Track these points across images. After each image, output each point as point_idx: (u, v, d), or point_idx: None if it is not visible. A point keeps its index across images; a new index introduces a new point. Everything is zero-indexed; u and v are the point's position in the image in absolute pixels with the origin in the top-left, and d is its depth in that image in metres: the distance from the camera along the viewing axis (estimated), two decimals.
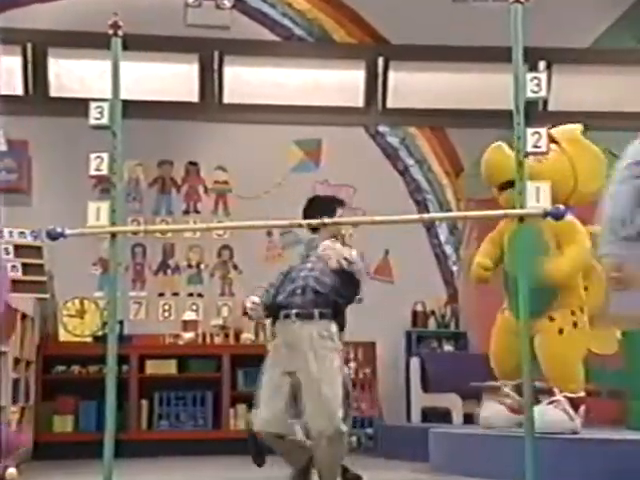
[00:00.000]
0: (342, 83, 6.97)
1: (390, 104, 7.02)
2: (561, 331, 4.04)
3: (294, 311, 2.89)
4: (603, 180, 4.26)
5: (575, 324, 4.08)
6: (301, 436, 2.89)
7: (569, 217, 3.73)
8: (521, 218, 2.73)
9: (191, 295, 6.80)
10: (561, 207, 2.65)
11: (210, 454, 5.41)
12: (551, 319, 4.01)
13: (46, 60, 6.68)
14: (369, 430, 6.30)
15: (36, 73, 6.69)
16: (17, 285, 4.39)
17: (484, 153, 4.25)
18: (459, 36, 6.60)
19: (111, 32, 2.89)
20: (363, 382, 6.51)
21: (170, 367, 6.11)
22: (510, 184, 3.76)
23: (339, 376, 2.84)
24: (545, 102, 6.16)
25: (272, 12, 7.08)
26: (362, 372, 6.51)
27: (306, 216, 3.37)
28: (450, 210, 7.05)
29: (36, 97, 6.72)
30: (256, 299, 3.06)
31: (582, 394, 4.08)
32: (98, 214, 2.82)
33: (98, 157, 2.84)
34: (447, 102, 6.89)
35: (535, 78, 2.70)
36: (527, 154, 2.70)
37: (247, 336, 6.22)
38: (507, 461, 3.44)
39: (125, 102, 2.90)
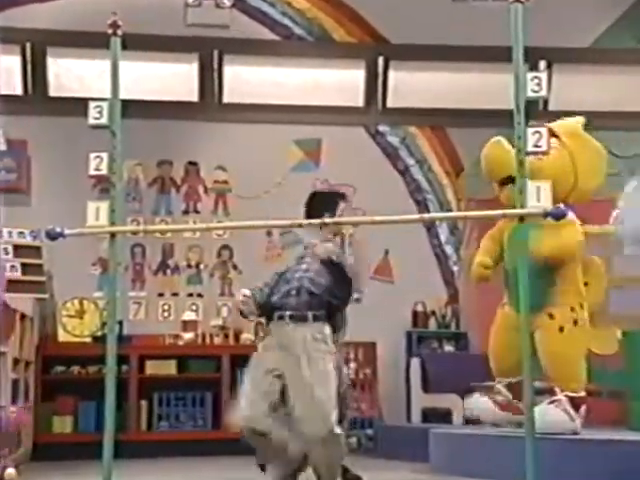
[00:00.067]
0: (342, 82, 6.96)
1: (390, 104, 7.01)
2: (562, 329, 4.03)
3: (288, 313, 2.86)
4: (603, 177, 4.26)
5: (575, 322, 4.07)
6: (286, 439, 2.82)
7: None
8: (521, 218, 2.73)
9: (191, 295, 6.79)
10: (562, 207, 2.65)
11: (210, 455, 5.39)
12: (551, 316, 3.99)
13: (45, 60, 6.66)
14: (369, 431, 6.29)
15: (35, 73, 6.68)
16: (16, 285, 4.37)
17: (484, 148, 4.24)
18: (459, 36, 6.59)
19: (110, 31, 2.89)
20: (363, 382, 6.51)
21: (170, 367, 6.10)
22: (511, 179, 3.77)
23: (332, 379, 2.81)
24: (545, 102, 6.15)
25: (272, 11, 7.07)
26: (362, 372, 6.50)
27: (308, 211, 3.37)
28: (450, 210, 7.05)
29: (35, 97, 6.71)
30: (247, 292, 3.04)
31: (583, 394, 4.07)
32: (97, 214, 2.81)
33: (97, 157, 2.84)
34: (447, 102, 6.88)
35: (535, 78, 2.70)
36: (528, 153, 2.70)
37: (247, 336, 6.21)
38: (507, 462, 3.43)
39: (124, 102, 2.90)
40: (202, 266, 6.83)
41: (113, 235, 2.87)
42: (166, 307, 6.74)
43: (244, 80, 6.91)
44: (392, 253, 6.93)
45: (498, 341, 4.25)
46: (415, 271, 6.82)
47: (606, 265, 4.52)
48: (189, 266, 6.85)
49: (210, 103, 6.92)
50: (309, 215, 3.29)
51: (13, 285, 4.35)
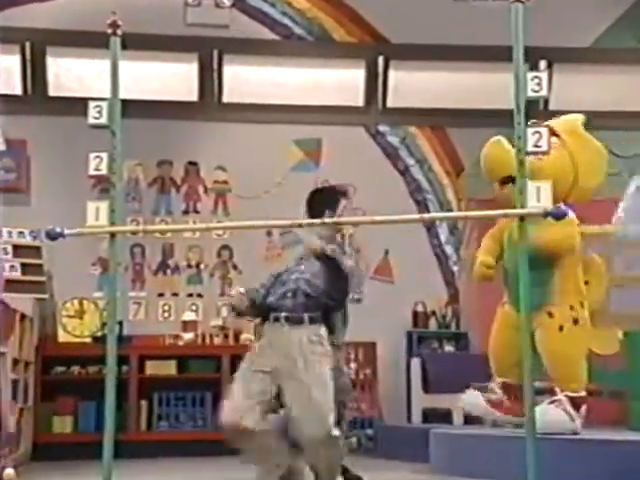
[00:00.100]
0: (342, 82, 6.96)
1: (390, 103, 7.00)
2: (561, 328, 4.02)
3: (284, 314, 2.84)
4: (603, 176, 4.25)
5: (575, 321, 4.06)
6: (271, 442, 2.77)
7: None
8: (522, 218, 2.73)
9: (191, 295, 6.78)
10: (562, 207, 2.65)
11: (210, 455, 5.37)
12: (550, 315, 3.98)
13: (45, 59, 6.66)
14: (369, 431, 6.28)
15: (35, 72, 6.67)
16: (16, 285, 4.36)
17: (484, 147, 4.24)
18: (459, 35, 6.58)
19: (110, 31, 2.88)
20: (363, 383, 6.50)
21: (170, 368, 6.10)
22: (511, 179, 3.76)
23: (329, 380, 2.79)
24: (546, 101, 6.14)
25: (272, 11, 7.06)
26: (362, 373, 6.49)
27: (309, 209, 3.36)
28: (451, 210, 7.04)
29: (35, 96, 6.70)
30: (242, 289, 3.03)
31: (583, 393, 4.06)
32: (97, 214, 2.81)
33: (97, 157, 2.83)
34: (447, 101, 6.87)
35: (536, 77, 2.70)
36: (528, 153, 2.69)
37: (247, 336, 6.19)
38: (508, 462, 3.43)
39: (124, 101, 2.90)
40: (202, 266, 6.83)
41: (113, 235, 2.86)
42: (166, 307, 6.73)
43: (244, 80, 6.90)
44: (392, 253, 6.92)
45: (498, 340, 4.24)
46: (415, 271, 6.81)
47: (606, 264, 4.51)
48: (189, 266, 6.84)
49: (210, 103, 6.91)
50: (310, 212, 3.29)
51: (13, 285, 4.34)
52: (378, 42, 7.08)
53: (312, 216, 3.13)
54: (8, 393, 4.24)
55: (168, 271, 6.84)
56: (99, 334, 5.96)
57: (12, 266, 4.39)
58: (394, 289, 6.86)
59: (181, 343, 6.26)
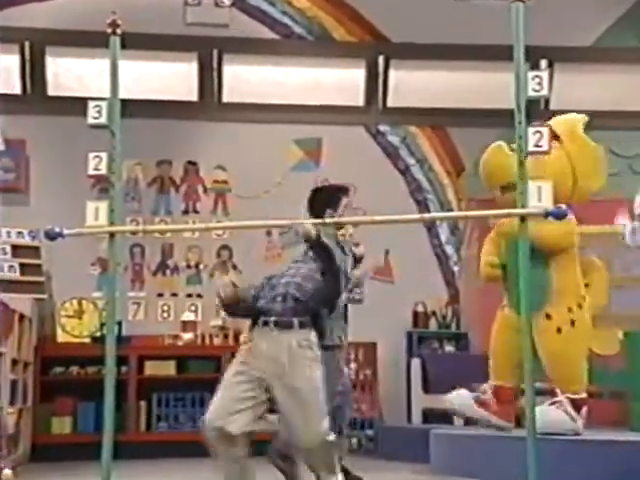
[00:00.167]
0: (342, 82, 6.95)
1: (390, 103, 6.99)
2: (559, 330, 4.02)
3: (273, 319, 2.79)
4: (604, 179, 4.24)
5: (573, 322, 4.06)
6: (243, 452, 2.72)
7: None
8: (522, 218, 2.71)
9: (190, 296, 6.76)
10: (563, 207, 2.64)
11: (209, 456, 5.37)
12: (548, 317, 3.98)
13: (44, 59, 6.65)
14: (369, 431, 6.28)
15: (34, 72, 6.66)
16: (15, 286, 4.35)
17: (484, 153, 4.23)
18: (460, 34, 6.57)
19: (109, 31, 2.87)
20: (363, 383, 6.48)
21: (169, 368, 6.09)
22: (513, 186, 3.74)
23: (320, 385, 2.75)
24: (547, 101, 6.13)
25: (271, 10, 7.05)
26: (362, 373, 6.48)
27: (311, 208, 3.34)
28: (451, 210, 7.03)
29: (34, 96, 6.69)
30: (227, 279, 2.99)
31: (584, 395, 4.05)
32: (96, 214, 2.80)
33: (97, 156, 2.82)
34: (448, 101, 6.86)
35: (537, 77, 2.69)
36: (528, 153, 2.68)
37: (247, 336, 6.18)
38: (508, 462, 3.42)
39: (124, 101, 2.89)
40: (202, 266, 6.81)
41: (112, 235, 2.85)
42: (165, 307, 6.72)
43: (244, 79, 6.89)
44: (392, 253, 6.91)
45: (498, 343, 4.24)
46: (415, 271, 6.80)
47: (606, 265, 4.50)
48: (188, 266, 6.83)
49: (210, 102, 6.90)
50: (312, 212, 3.27)
51: (12, 285, 4.33)
52: (378, 41, 7.07)
53: (313, 215, 3.11)
54: (7, 394, 4.23)
55: (167, 271, 6.83)
56: (98, 334, 5.95)
57: (11, 266, 4.38)
58: (394, 289, 6.85)
59: (180, 343, 6.25)
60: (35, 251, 4.49)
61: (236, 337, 6.25)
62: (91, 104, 2.83)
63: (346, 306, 3.98)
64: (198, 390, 5.96)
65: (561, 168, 4.01)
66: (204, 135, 6.91)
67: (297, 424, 2.68)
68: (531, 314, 2.79)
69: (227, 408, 2.70)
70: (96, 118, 2.82)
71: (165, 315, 6.71)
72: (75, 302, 6.22)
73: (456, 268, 7.09)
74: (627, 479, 3.46)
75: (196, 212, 6.94)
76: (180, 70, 6.86)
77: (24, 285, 4.41)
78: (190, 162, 6.98)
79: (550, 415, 3.86)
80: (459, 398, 4.35)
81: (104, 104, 2.83)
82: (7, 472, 3.97)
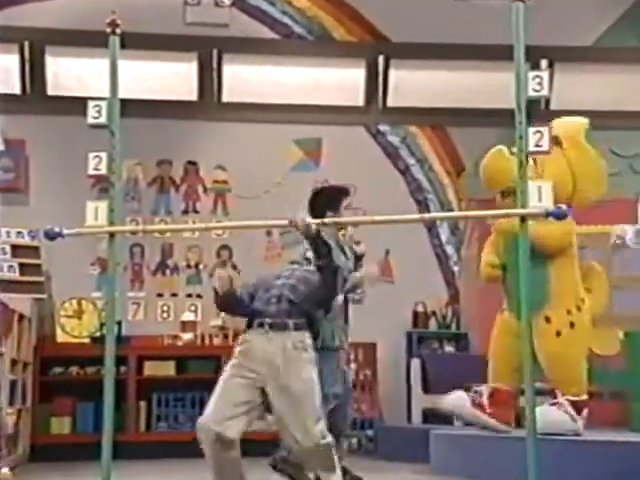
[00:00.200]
0: (342, 82, 6.94)
1: (391, 103, 6.98)
2: (558, 333, 4.02)
3: (268, 320, 2.77)
4: (603, 186, 4.25)
5: (572, 324, 4.05)
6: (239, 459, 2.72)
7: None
8: (523, 218, 2.71)
9: (190, 296, 6.75)
10: (563, 207, 2.64)
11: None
12: (547, 320, 3.98)
13: (44, 58, 6.63)
14: (369, 432, 6.27)
15: (33, 72, 6.65)
16: (14, 285, 4.35)
17: (485, 155, 4.22)
18: (460, 34, 6.56)
19: (109, 30, 2.87)
20: (363, 383, 6.48)
21: (169, 368, 6.07)
22: (510, 192, 3.74)
23: (315, 387, 2.74)
24: (547, 101, 6.12)
25: (271, 10, 7.04)
26: (362, 373, 6.47)
27: (312, 209, 3.33)
28: (451, 210, 7.02)
29: (33, 96, 6.68)
30: (225, 273, 2.97)
31: (585, 397, 4.04)
32: (96, 214, 2.80)
33: (96, 156, 2.82)
34: (448, 101, 6.85)
35: (537, 77, 2.69)
36: (529, 153, 2.68)
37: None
38: (509, 463, 3.42)
39: (123, 101, 2.89)
40: (201, 266, 6.80)
41: (112, 235, 2.85)
42: (165, 307, 6.71)
43: (244, 79, 6.88)
44: (393, 253, 6.90)
45: (497, 347, 4.24)
46: (416, 271, 6.79)
47: (606, 265, 4.50)
48: (188, 266, 6.82)
49: (209, 102, 6.89)
50: (312, 213, 3.26)
51: (11, 285, 4.33)
52: (378, 41, 7.06)
53: (314, 216, 3.11)
54: (6, 394, 4.23)
55: (167, 271, 6.82)
56: (98, 334, 5.95)
57: (10, 266, 4.38)
58: (394, 289, 6.83)
59: (180, 343, 6.24)
60: (35, 251, 4.49)
61: (236, 337, 6.24)
62: (91, 104, 2.83)
63: (346, 307, 3.98)
64: (198, 390, 5.94)
65: (561, 174, 4.01)
66: (204, 135, 6.90)
67: (292, 426, 2.66)
68: (531, 315, 2.78)
69: (223, 413, 2.68)
70: (96, 118, 2.82)
71: (165, 315, 6.70)
72: (75, 302, 6.21)
73: (456, 268, 7.08)
74: None
75: (196, 212, 6.93)
76: (180, 70, 6.85)
77: (24, 285, 4.41)
78: (190, 162, 6.97)
79: (550, 415, 3.85)
80: (455, 400, 4.35)
81: (104, 104, 2.83)
82: (5, 472, 3.96)
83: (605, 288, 4.34)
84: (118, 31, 2.87)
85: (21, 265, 4.42)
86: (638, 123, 6.62)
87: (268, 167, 6.80)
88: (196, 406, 5.91)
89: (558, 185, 3.53)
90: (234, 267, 6.85)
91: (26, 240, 4.52)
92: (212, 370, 6.01)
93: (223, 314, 6.58)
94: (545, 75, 2.71)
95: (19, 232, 4.47)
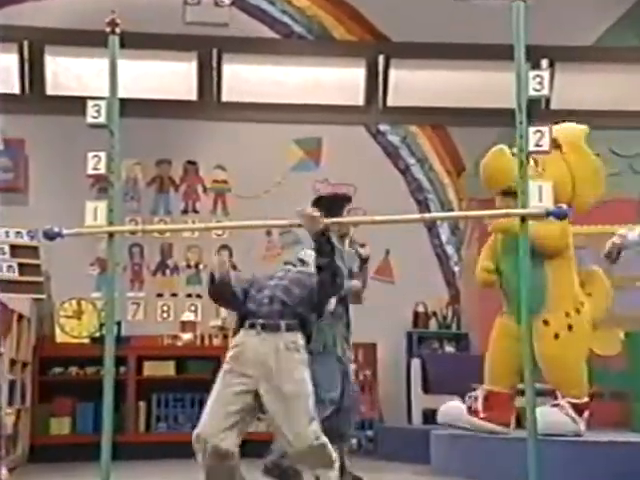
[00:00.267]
0: (342, 81, 6.93)
1: (391, 102, 6.97)
2: (557, 336, 4.02)
3: (260, 321, 2.74)
4: (601, 190, 4.25)
5: (570, 327, 4.05)
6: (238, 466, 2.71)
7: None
8: (523, 218, 2.70)
9: (190, 296, 6.74)
10: (563, 206, 2.64)
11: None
12: (545, 323, 3.97)
13: (43, 58, 6.62)
14: (369, 432, 6.25)
15: (33, 71, 6.63)
16: (13, 286, 4.33)
17: (485, 154, 4.21)
18: (461, 34, 6.55)
19: (109, 30, 2.87)
20: (363, 383, 6.46)
21: (168, 368, 6.06)
22: (510, 192, 3.74)
23: (309, 388, 2.72)
24: (548, 100, 6.11)
25: (271, 9, 7.03)
26: (362, 373, 6.45)
27: None
28: (452, 210, 7.00)
29: (33, 95, 6.67)
30: (224, 258, 2.94)
31: (586, 399, 4.03)
32: (95, 214, 2.80)
33: (96, 156, 2.82)
34: (448, 100, 6.84)
35: (537, 76, 2.69)
36: (529, 153, 2.67)
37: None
38: (509, 463, 3.41)
39: (123, 100, 2.88)
40: (201, 266, 6.79)
41: (111, 235, 2.85)
42: (165, 308, 6.70)
43: (243, 79, 6.87)
44: (393, 253, 6.89)
45: (496, 350, 4.23)
46: (416, 271, 6.78)
47: (607, 266, 4.49)
48: (188, 266, 6.81)
49: (209, 102, 6.88)
50: None
51: (10, 285, 4.31)
52: (378, 40, 7.05)
53: None
54: (5, 394, 4.22)
55: (167, 271, 6.81)
56: (97, 335, 5.94)
57: (10, 266, 4.36)
58: (394, 289, 6.83)
59: (180, 344, 6.23)
60: (34, 251, 4.47)
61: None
62: (90, 103, 2.83)
63: (347, 313, 3.96)
64: (197, 391, 5.92)
65: (561, 176, 4.01)
66: (203, 135, 6.89)
67: (285, 427, 2.65)
68: (531, 316, 2.77)
69: (219, 425, 2.67)
70: (95, 117, 2.82)
71: (164, 315, 6.69)
72: (74, 302, 6.20)
73: (457, 268, 7.07)
74: None
75: (196, 212, 6.92)
76: (179, 69, 6.84)
77: (23, 285, 4.39)
78: (189, 162, 6.96)
79: (551, 416, 3.85)
80: (450, 410, 4.36)
81: (103, 103, 2.83)
82: (4, 473, 3.95)
83: (606, 292, 4.34)
84: (117, 31, 2.87)
85: (20, 265, 4.40)
86: (638, 123, 6.61)
87: (268, 167, 6.79)
88: (196, 406, 5.90)
89: (558, 187, 3.53)
90: (234, 267, 6.83)
91: (25, 240, 4.49)
92: (212, 370, 5.97)
93: (223, 314, 6.59)
94: (546, 75, 2.71)
95: (18, 232, 4.45)
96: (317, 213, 2.78)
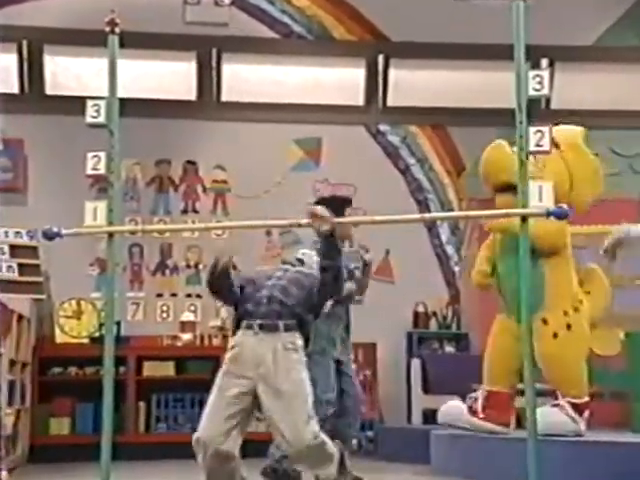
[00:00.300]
0: (342, 81, 6.92)
1: (391, 102, 6.97)
2: (555, 335, 4.01)
3: (257, 322, 2.73)
4: (599, 190, 4.25)
5: (569, 326, 4.04)
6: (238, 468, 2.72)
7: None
8: (524, 218, 2.70)
9: (189, 296, 6.73)
10: (564, 206, 2.63)
11: None
12: (544, 322, 3.96)
13: (42, 58, 6.62)
14: (369, 432, 6.24)
15: (32, 71, 6.63)
16: (13, 286, 4.32)
17: (485, 151, 4.21)
18: (460, 33, 6.55)
19: (108, 29, 2.86)
20: (363, 384, 6.43)
21: (168, 369, 6.06)
22: (508, 187, 3.74)
23: (307, 388, 2.70)
24: (548, 100, 6.11)
25: (271, 9, 7.03)
26: (362, 374, 6.44)
27: None
28: (451, 210, 7.00)
29: (32, 95, 6.67)
30: (232, 246, 2.93)
31: (586, 399, 4.02)
32: (95, 214, 2.79)
33: (95, 156, 2.81)
34: (448, 100, 6.84)
35: (537, 76, 2.68)
36: (530, 153, 2.66)
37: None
38: (510, 464, 3.41)
39: (122, 100, 2.88)
40: (201, 266, 6.78)
41: (111, 235, 2.84)
42: (164, 308, 6.69)
43: (243, 78, 6.87)
44: (393, 253, 6.89)
45: (495, 349, 4.23)
46: (416, 271, 6.78)
47: (607, 265, 4.49)
48: (188, 266, 6.80)
49: (209, 102, 6.87)
50: None
51: (10, 286, 4.30)
52: (378, 40, 7.04)
53: None
54: (4, 395, 4.21)
55: (167, 271, 6.80)
56: (97, 335, 5.94)
57: (9, 266, 4.35)
58: (395, 289, 6.82)
59: (179, 344, 6.23)
60: (33, 251, 4.46)
61: None
62: (89, 103, 2.82)
63: (348, 314, 3.96)
64: (197, 391, 5.91)
65: (559, 174, 4.00)
66: (203, 134, 6.88)
67: (283, 427, 2.64)
68: (530, 316, 2.76)
69: (219, 428, 2.66)
70: (94, 117, 2.81)
71: (164, 315, 6.69)
72: (74, 302, 6.20)
73: (457, 268, 7.07)
74: None
75: (195, 212, 6.91)
76: (179, 69, 6.83)
77: (22, 285, 4.38)
78: (189, 162, 6.96)
79: (551, 417, 3.84)
80: (450, 410, 4.35)
81: (102, 103, 2.82)
82: (3, 473, 3.95)
83: (604, 290, 4.33)
84: (117, 30, 2.86)
85: (20, 265, 4.39)
86: (638, 122, 6.61)
87: (268, 167, 6.78)
88: (195, 407, 5.90)
89: (556, 185, 3.53)
90: (234, 267, 6.82)
91: (25, 240, 4.48)
92: (211, 371, 5.97)
93: (223, 314, 6.58)
94: (546, 74, 2.70)
95: (17, 232, 4.44)
96: (327, 213, 2.75)
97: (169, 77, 6.79)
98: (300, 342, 2.77)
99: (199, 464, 2.73)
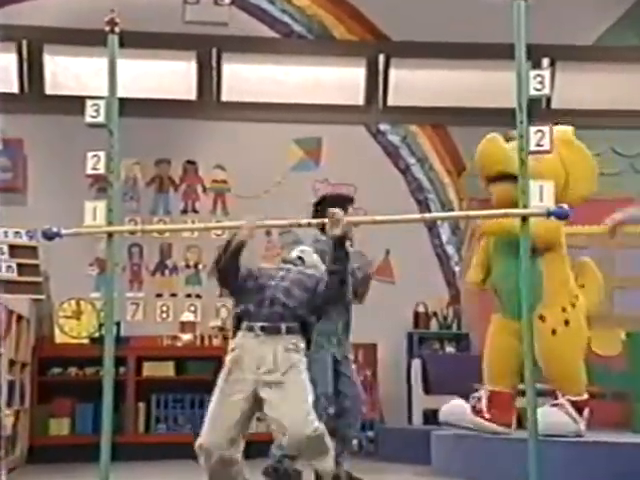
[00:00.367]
0: (342, 81, 6.92)
1: (391, 102, 6.96)
2: (554, 332, 4.00)
3: (259, 324, 2.71)
4: (594, 185, 4.24)
5: (567, 322, 4.04)
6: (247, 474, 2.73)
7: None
8: (524, 217, 2.70)
9: (189, 296, 6.73)
10: (565, 206, 2.62)
11: None
12: (542, 319, 3.95)
13: (42, 57, 6.61)
14: (370, 433, 6.24)
15: (32, 70, 6.62)
16: (12, 286, 4.32)
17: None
18: (461, 33, 6.55)
19: (108, 29, 2.86)
20: (364, 384, 6.42)
21: (168, 369, 6.05)
22: (501, 177, 3.74)
23: (307, 385, 2.69)
24: (548, 100, 6.11)
25: (271, 8, 7.02)
26: (363, 374, 6.43)
27: (315, 216, 3.30)
28: (452, 210, 6.99)
29: (32, 95, 6.66)
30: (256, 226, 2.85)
31: (586, 397, 4.02)
32: (95, 214, 2.79)
33: (95, 156, 2.81)
34: (449, 100, 6.84)
35: (538, 75, 2.68)
36: (530, 153, 2.66)
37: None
38: (510, 464, 3.41)
39: (122, 100, 2.88)
40: (201, 266, 6.78)
41: (110, 235, 2.84)
42: (164, 308, 6.68)
43: (243, 78, 6.86)
44: (393, 253, 6.88)
45: (494, 348, 4.22)
46: (416, 271, 6.77)
47: (609, 266, 4.48)
48: (187, 266, 6.79)
49: (208, 101, 6.87)
50: (317, 218, 3.22)
51: (9, 286, 4.30)
52: (379, 40, 7.04)
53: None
54: (4, 395, 4.21)
55: (166, 271, 6.79)
56: (96, 335, 5.93)
57: (8, 266, 4.34)
58: (395, 289, 6.81)
59: (179, 344, 6.22)
60: (33, 251, 4.45)
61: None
62: (89, 103, 2.82)
63: (348, 313, 3.95)
64: (197, 391, 5.92)
65: (554, 170, 3.99)
66: (203, 134, 6.88)
67: (282, 417, 2.63)
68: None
69: (223, 435, 2.65)
70: (94, 117, 2.81)
71: (164, 316, 6.68)
72: (73, 303, 6.19)
73: (457, 268, 7.06)
74: None
75: (195, 212, 6.90)
76: (179, 69, 6.83)
77: (22, 285, 4.38)
78: (189, 161, 6.95)
79: (552, 417, 3.83)
80: (453, 409, 4.34)
81: (102, 103, 2.82)
82: (3, 474, 3.94)
83: (598, 283, 4.33)
84: (117, 30, 2.86)
85: (19, 265, 4.38)
86: (639, 122, 6.60)
87: (268, 167, 6.78)
88: (195, 407, 5.90)
89: (552, 180, 3.52)
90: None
91: (24, 240, 4.47)
92: (211, 371, 5.96)
93: (223, 314, 6.58)
94: (546, 74, 2.70)
95: (17, 232, 4.43)
96: (342, 215, 2.72)
97: (169, 77, 6.79)
98: (302, 345, 2.76)
99: (201, 465, 2.72)
